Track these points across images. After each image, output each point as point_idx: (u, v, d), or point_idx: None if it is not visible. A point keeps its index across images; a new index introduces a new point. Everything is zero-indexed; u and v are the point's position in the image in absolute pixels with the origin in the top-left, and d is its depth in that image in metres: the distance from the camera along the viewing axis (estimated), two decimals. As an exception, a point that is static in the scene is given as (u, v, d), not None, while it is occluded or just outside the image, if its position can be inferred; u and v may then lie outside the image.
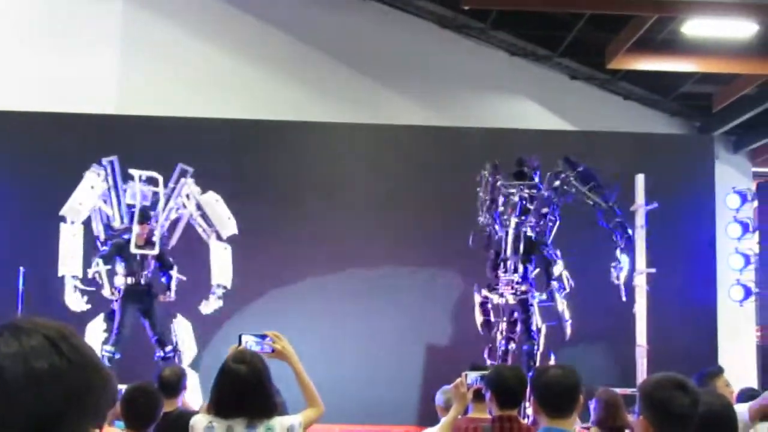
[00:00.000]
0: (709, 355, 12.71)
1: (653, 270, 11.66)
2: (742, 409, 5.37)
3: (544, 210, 10.99)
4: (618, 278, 11.14)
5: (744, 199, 13.32)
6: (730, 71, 13.98)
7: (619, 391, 6.36)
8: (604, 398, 5.81)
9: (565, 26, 13.85)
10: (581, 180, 11.15)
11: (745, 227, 13.23)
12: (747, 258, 13.19)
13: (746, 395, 6.91)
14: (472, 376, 5.11)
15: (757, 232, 13.38)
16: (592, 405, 5.87)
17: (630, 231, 11.23)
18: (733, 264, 13.26)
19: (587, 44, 14.14)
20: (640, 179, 11.90)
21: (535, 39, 14.67)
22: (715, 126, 15.44)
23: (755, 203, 13.54)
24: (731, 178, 14.80)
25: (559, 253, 10.97)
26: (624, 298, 11.21)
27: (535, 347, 10.74)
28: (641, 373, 11.14)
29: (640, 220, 11.77)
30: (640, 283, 11.59)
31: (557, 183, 11.08)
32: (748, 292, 13.13)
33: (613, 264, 11.12)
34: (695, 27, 12.52)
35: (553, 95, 15.04)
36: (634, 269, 11.49)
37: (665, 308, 12.68)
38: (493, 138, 13.80)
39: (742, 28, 12.49)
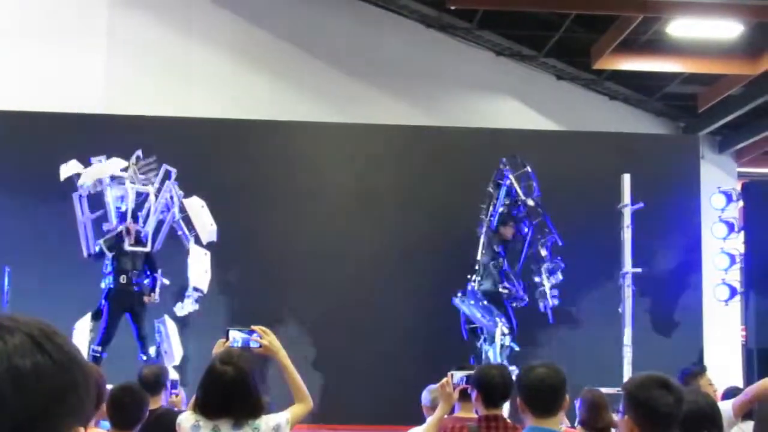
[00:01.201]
0: (694, 355, 12.75)
1: (639, 270, 11.69)
2: (726, 407, 5.39)
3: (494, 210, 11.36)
4: (542, 284, 11.40)
5: (729, 199, 13.35)
6: (715, 71, 14.03)
7: (603, 390, 6.36)
8: (588, 398, 5.81)
9: (551, 26, 13.88)
10: (517, 178, 11.44)
11: (731, 227, 13.26)
12: (732, 258, 13.23)
13: (732, 394, 6.93)
14: (458, 375, 5.11)
15: (742, 232, 13.42)
16: (577, 405, 5.88)
17: (553, 233, 11.43)
18: (718, 264, 13.31)
19: (573, 44, 14.18)
20: (625, 179, 11.92)
21: (521, 39, 14.69)
22: (701, 126, 15.49)
23: (740, 203, 13.58)
24: (716, 178, 14.85)
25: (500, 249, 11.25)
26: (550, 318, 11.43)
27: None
28: (626, 373, 11.17)
29: (626, 219, 11.79)
30: (626, 282, 11.61)
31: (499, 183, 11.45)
32: (733, 292, 13.17)
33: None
34: (680, 27, 12.56)
35: (538, 95, 15.06)
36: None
37: (651, 308, 12.73)
38: (478, 138, 13.82)
39: (726, 29, 12.53)
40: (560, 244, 11.49)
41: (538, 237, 11.42)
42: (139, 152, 10.95)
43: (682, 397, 3.36)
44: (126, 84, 13.79)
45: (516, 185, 11.36)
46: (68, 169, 10.84)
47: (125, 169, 10.82)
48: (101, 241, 10.64)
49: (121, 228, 10.63)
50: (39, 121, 13.15)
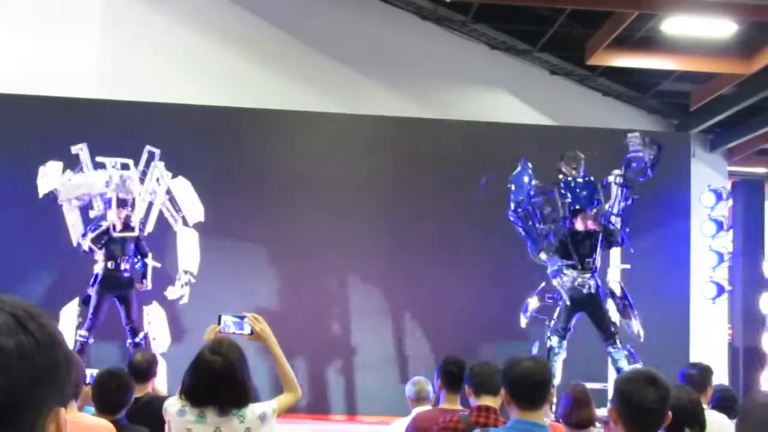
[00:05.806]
0: (681, 352, 12.80)
1: (628, 266, 11.72)
2: (721, 419, 5.37)
3: None
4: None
5: (719, 197, 13.39)
6: (708, 70, 14.05)
7: (589, 386, 6.38)
8: (571, 393, 5.82)
9: (546, 21, 13.88)
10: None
11: (720, 225, 13.31)
12: (721, 256, 13.28)
13: (719, 391, 6.93)
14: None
15: (731, 231, 13.46)
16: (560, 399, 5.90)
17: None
18: (706, 261, 13.35)
19: (567, 39, 14.17)
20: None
21: (515, 33, 14.67)
22: (693, 124, 15.51)
23: (730, 202, 13.62)
24: (707, 177, 14.87)
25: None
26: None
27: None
28: (612, 368, 11.20)
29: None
30: (614, 278, 11.64)
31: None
32: (720, 290, 13.22)
33: None
34: (675, 25, 12.57)
35: (532, 90, 15.06)
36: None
37: (638, 304, 12.75)
38: (471, 131, 13.83)
39: (720, 27, 12.55)
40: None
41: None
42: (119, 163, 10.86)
43: (668, 395, 3.38)
44: (119, 68, 13.73)
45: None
46: (46, 181, 10.77)
47: (108, 183, 10.69)
48: (88, 239, 10.59)
49: (105, 224, 10.58)
50: (30, 104, 13.10)
